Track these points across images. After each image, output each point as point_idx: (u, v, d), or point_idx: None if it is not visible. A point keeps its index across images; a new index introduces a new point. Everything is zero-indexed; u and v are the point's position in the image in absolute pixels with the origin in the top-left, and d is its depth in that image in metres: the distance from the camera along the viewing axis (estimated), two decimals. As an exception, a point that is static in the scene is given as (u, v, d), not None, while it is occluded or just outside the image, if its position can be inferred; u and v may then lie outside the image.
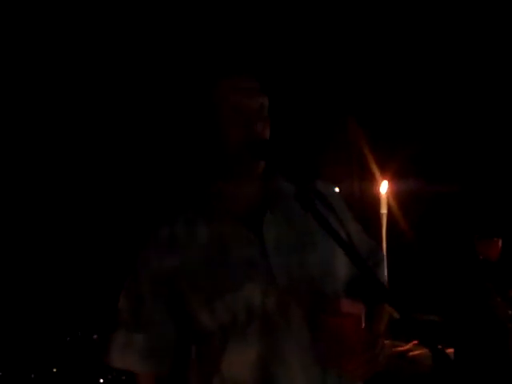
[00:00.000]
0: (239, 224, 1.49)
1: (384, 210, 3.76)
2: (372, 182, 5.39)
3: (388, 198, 3.93)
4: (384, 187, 3.98)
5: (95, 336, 4.98)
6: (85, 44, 5.71)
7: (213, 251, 1.47)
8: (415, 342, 5.51)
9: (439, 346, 1.27)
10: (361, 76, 6.22)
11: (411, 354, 5.28)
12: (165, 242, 1.50)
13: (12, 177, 5.95)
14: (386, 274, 1.72)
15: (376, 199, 4.05)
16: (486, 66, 6.03)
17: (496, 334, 3.90)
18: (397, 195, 4.45)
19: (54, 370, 4.85)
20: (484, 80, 6.10)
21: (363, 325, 1.36)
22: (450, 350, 5.33)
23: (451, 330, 4.17)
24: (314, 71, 6.14)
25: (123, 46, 5.75)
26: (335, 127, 6.67)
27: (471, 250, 3.99)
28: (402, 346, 4.55)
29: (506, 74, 5.95)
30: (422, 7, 5.93)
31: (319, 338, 1.38)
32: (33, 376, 4.80)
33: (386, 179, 4.11)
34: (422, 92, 6.21)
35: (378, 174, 5.12)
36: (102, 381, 4.64)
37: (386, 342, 1.48)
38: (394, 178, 4.49)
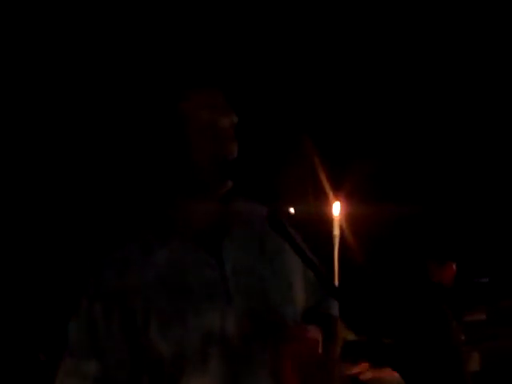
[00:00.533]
0: (199, 247, 1.43)
1: (336, 232, 3.68)
2: (326, 203, 5.33)
3: (341, 219, 3.85)
4: (336, 208, 3.90)
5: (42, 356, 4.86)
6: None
7: (170, 273, 1.40)
8: (366, 364, 5.48)
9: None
10: (315, 95, 6.22)
11: (362, 376, 5.23)
12: (119, 263, 1.41)
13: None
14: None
15: (330, 221, 3.99)
16: (449, 88, 6.09)
17: (450, 358, 3.86)
18: (350, 217, 4.38)
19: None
20: (443, 101, 6.15)
21: (320, 350, 1.34)
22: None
23: (404, 354, 4.13)
24: (268, 90, 6.12)
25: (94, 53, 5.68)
26: (289, 147, 6.64)
27: (425, 274, 3.97)
28: (353, 369, 4.49)
29: (474, 94, 6.02)
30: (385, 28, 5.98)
31: (278, 364, 1.35)
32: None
33: (338, 200, 4.04)
34: (377, 110, 6.23)
35: (331, 194, 5.06)
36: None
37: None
38: (348, 199, 4.43)
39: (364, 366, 5.44)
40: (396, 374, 5.54)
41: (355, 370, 4.52)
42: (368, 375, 5.47)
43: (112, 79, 5.53)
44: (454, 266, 4.03)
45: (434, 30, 5.96)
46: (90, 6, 5.52)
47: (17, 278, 5.82)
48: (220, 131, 1.43)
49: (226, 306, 1.40)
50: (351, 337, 4.08)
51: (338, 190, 5.19)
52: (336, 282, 1.84)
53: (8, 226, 5.93)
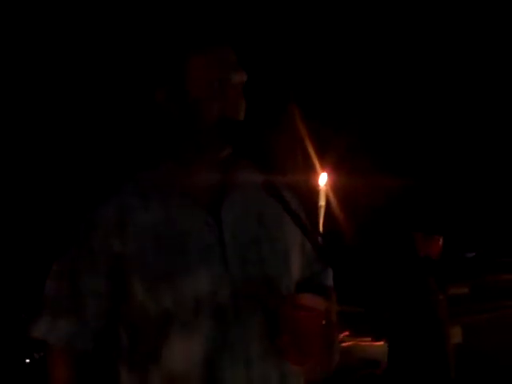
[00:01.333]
0: (198, 206, 1.38)
1: (322, 202, 3.64)
2: (313, 173, 5.29)
3: (327, 190, 3.81)
4: (323, 179, 3.86)
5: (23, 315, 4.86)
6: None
7: (166, 230, 1.35)
8: (346, 333, 5.52)
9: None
10: (304, 63, 6.16)
11: (344, 344, 5.28)
12: (117, 209, 1.36)
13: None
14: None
15: (316, 191, 3.96)
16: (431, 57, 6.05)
17: (435, 331, 3.87)
18: (337, 188, 4.34)
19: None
20: (429, 67, 6.10)
21: (324, 321, 1.31)
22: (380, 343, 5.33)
23: (388, 325, 4.15)
24: (259, 59, 6.05)
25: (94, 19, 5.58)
26: (278, 114, 6.59)
27: (411, 247, 3.96)
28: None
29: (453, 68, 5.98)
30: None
31: (278, 332, 1.31)
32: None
33: (325, 171, 4.00)
34: (367, 80, 6.17)
35: (317, 165, 5.01)
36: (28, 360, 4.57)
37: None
38: (335, 170, 4.39)
39: (345, 334, 5.49)
40: (376, 343, 5.60)
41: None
42: (349, 343, 5.52)
43: (123, 33, 5.45)
44: (441, 240, 4.03)
45: (436, 27, 5.91)
46: None
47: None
48: (227, 89, 1.38)
49: (221, 271, 1.36)
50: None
51: (325, 160, 5.14)
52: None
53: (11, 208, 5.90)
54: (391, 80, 6.21)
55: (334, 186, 4.39)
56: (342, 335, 4.89)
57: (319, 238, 1.48)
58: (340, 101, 6.35)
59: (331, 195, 4.09)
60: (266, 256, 1.41)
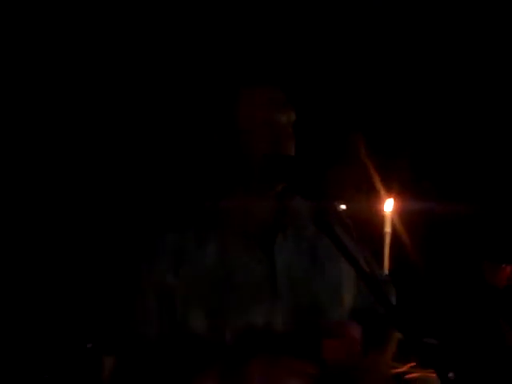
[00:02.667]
0: (251, 242, 1.44)
1: (388, 229, 3.63)
2: (378, 199, 5.27)
3: (393, 216, 3.79)
4: (389, 205, 3.85)
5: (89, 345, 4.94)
6: (98, 51, 5.73)
7: (221, 267, 1.42)
8: (413, 363, 5.40)
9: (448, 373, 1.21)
10: (368, 92, 6.17)
11: (408, 376, 5.16)
12: (172, 250, 1.43)
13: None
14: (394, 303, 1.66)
15: (382, 218, 3.95)
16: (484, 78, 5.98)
17: (502, 361, 3.77)
18: (403, 214, 4.32)
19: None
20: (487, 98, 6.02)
21: (358, 348, 1.34)
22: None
23: (455, 356, 4.06)
24: (324, 86, 6.10)
25: (141, 51, 5.75)
26: (343, 143, 6.61)
27: (480, 276, 3.88)
28: (399, 368, 4.46)
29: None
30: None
31: (317, 358, 1.36)
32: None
33: (391, 197, 3.99)
34: (434, 109, 6.14)
35: (383, 191, 4.98)
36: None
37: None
38: (401, 196, 4.36)
39: (410, 365, 5.37)
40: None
41: (401, 368, 4.47)
42: (412, 375, 5.40)
43: (172, 72, 5.59)
44: (509, 269, 3.95)
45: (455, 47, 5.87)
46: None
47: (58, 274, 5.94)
48: (275, 129, 1.42)
49: (273, 302, 1.40)
50: (399, 335, 4.02)
51: (390, 186, 5.12)
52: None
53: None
54: (458, 109, 6.16)
55: (400, 212, 4.37)
56: (407, 366, 4.81)
57: (381, 271, 1.49)
58: (404, 126, 6.33)
59: (397, 221, 4.07)
60: (317, 289, 1.45)
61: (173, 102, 5.44)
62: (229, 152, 1.45)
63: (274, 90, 1.46)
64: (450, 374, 1.21)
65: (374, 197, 5.79)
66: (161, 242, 1.44)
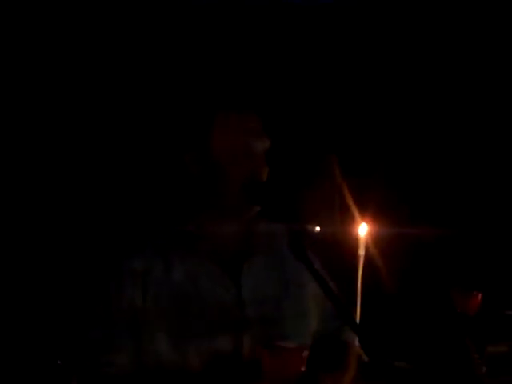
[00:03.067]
0: (219, 268, 1.43)
1: (361, 252, 3.64)
2: (352, 223, 5.29)
3: (367, 239, 3.81)
4: (363, 229, 3.88)
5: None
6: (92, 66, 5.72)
7: (188, 292, 1.41)
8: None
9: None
10: (344, 114, 6.23)
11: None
12: (139, 274, 1.42)
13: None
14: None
15: (356, 241, 3.97)
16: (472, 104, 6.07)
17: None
18: (376, 238, 4.34)
19: None
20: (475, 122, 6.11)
21: (303, 368, 1.33)
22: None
23: (423, 381, 4.06)
24: (298, 108, 6.14)
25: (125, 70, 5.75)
26: (317, 165, 6.63)
27: (449, 303, 3.90)
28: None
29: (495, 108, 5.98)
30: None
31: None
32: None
33: (365, 220, 4.01)
34: (405, 132, 6.21)
35: (357, 214, 5.01)
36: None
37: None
38: (374, 220, 4.39)
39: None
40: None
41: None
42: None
43: (147, 97, 5.59)
44: (480, 296, 3.96)
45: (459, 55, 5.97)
46: (125, 30, 5.61)
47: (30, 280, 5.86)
48: (252, 156, 1.43)
49: (240, 331, 1.39)
50: (366, 358, 4.02)
51: (364, 210, 5.15)
52: (358, 301, 1.82)
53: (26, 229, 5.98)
54: (430, 136, 6.24)
55: (373, 236, 4.39)
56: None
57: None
58: (377, 152, 6.38)
59: (370, 245, 4.09)
60: (285, 316, 1.45)
61: (147, 125, 5.45)
62: (201, 177, 1.45)
63: (249, 117, 1.46)
64: None
65: (348, 220, 5.82)
66: (128, 265, 1.43)
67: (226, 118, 1.44)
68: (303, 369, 1.34)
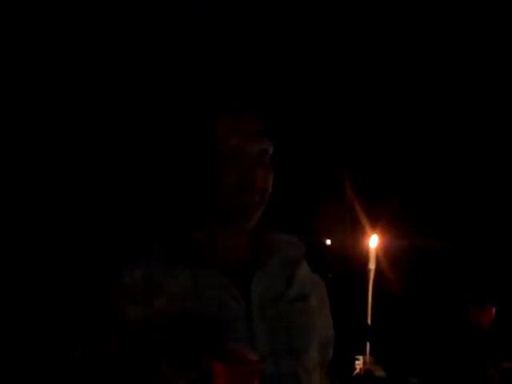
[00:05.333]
0: (225, 278, 1.36)
1: (372, 266, 3.59)
2: (363, 235, 5.25)
3: (378, 253, 3.76)
4: (373, 241, 3.82)
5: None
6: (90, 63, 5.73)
7: (192, 304, 1.33)
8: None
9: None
10: (354, 130, 6.22)
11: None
12: (139, 282, 1.34)
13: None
14: None
15: (366, 254, 3.93)
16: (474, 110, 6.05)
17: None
18: (387, 251, 4.28)
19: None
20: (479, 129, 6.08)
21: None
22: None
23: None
24: (309, 123, 6.14)
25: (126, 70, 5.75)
26: (329, 180, 6.62)
27: (464, 317, 3.83)
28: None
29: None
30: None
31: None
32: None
33: (375, 233, 3.96)
34: (418, 147, 6.18)
35: (368, 228, 4.96)
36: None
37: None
38: (385, 233, 4.34)
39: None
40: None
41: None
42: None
43: (144, 100, 5.59)
44: (493, 311, 3.90)
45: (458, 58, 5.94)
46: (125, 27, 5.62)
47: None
48: (246, 158, 1.36)
49: (248, 345, 1.31)
50: (380, 373, 3.97)
51: (375, 223, 5.10)
52: (369, 314, 1.76)
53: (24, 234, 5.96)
54: (440, 149, 6.22)
55: (384, 249, 4.35)
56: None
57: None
58: (389, 165, 6.36)
59: (381, 258, 4.04)
60: (293, 330, 1.39)
61: (148, 130, 5.44)
62: (200, 182, 1.39)
63: (248, 118, 1.39)
64: None
65: (358, 233, 5.78)
66: (129, 275, 1.36)
67: (220, 118, 1.38)
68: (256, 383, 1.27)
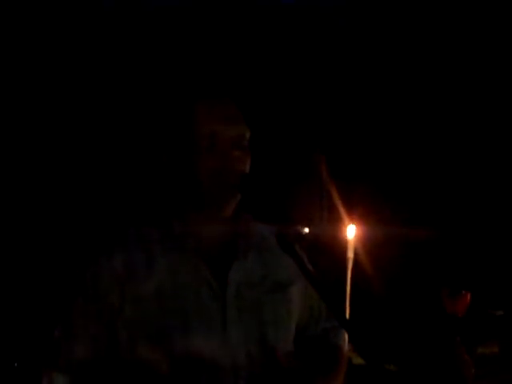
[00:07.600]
0: (202, 266, 1.36)
1: (350, 255, 3.63)
2: (340, 225, 5.27)
3: (355, 242, 3.79)
4: (351, 231, 3.86)
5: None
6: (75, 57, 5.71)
7: (169, 290, 1.34)
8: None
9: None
10: (331, 116, 6.23)
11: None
12: (116, 269, 1.35)
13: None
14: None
15: (344, 243, 3.95)
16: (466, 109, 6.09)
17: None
18: (365, 240, 4.32)
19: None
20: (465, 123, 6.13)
21: None
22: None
23: (411, 383, 4.05)
24: (286, 110, 6.14)
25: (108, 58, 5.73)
26: (303, 166, 6.62)
27: (438, 303, 3.88)
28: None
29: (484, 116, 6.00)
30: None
31: None
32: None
33: (353, 223, 3.99)
34: (394, 132, 6.21)
35: (345, 217, 5.00)
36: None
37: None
38: (363, 222, 4.37)
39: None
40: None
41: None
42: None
43: (123, 89, 5.57)
44: (469, 297, 3.95)
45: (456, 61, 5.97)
46: (109, 20, 5.60)
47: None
48: (223, 142, 1.37)
49: (220, 335, 1.34)
50: (358, 360, 4.02)
51: (352, 212, 5.13)
52: (347, 303, 1.78)
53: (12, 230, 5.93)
54: (418, 136, 6.25)
55: (362, 238, 4.38)
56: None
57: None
58: (366, 153, 6.38)
59: (359, 247, 4.09)
60: (267, 321, 1.40)
61: (126, 117, 5.43)
62: (179, 167, 1.39)
63: (223, 103, 1.41)
64: None
65: (336, 220, 5.81)
66: (107, 261, 1.37)
67: (196, 104, 1.39)
68: None
